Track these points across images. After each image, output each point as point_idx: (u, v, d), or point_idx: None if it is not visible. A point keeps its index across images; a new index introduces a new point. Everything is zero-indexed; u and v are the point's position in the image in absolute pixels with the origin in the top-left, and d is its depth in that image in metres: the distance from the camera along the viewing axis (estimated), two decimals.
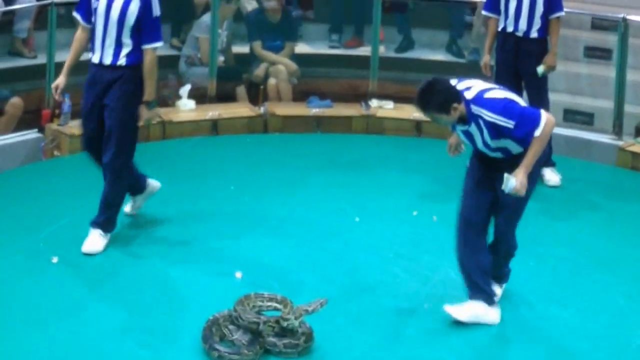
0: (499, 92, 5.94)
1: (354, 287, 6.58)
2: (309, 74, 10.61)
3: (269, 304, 5.86)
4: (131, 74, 6.79)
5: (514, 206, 6.16)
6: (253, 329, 5.67)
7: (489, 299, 6.17)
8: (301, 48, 10.75)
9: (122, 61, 6.78)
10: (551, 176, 8.55)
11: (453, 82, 5.95)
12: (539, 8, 8.29)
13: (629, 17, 9.49)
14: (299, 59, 10.47)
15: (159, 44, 6.92)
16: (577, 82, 10.06)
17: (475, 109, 5.83)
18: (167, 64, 10.28)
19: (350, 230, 7.50)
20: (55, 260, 6.68)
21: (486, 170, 6.19)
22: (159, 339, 5.84)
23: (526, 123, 5.79)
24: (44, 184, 8.12)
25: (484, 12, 8.79)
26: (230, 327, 5.73)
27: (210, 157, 8.94)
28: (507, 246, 6.36)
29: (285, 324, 5.70)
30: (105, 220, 6.89)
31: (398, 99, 10.18)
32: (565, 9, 8.59)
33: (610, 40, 9.93)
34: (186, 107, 9.64)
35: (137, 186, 7.29)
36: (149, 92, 6.84)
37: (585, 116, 9.81)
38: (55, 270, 6.59)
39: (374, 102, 10.10)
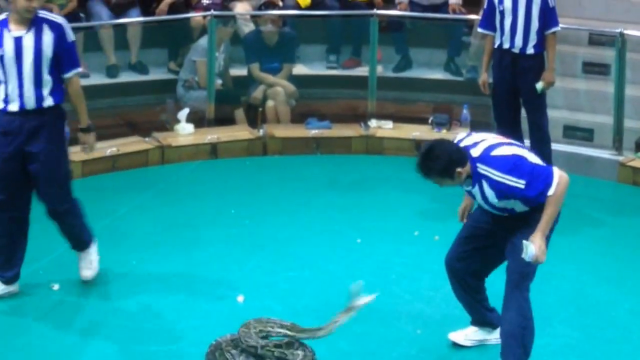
0: (507, 149, 5.58)
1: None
2: (307, 95, 10.62)
3: (279, 330, 5.81)
4: (58, 112, 6.48)
5: (522, 272, 5.71)
6: (252, 353, 5.63)
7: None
8: (299, 69, 10.75)
9: (48, 101, 6.36)
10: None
11: (461, 136, 5.70)
12: (534, 24, 8.27)
13: (626, 32, 9.50)
14: (297, 80, 10.47)
15: (80, 69, 6.62)
16: (576, 98, 10.05)
17: (482, 168, 5.48)
18: (164, 88, 10.33)
19: (352, 252, 7.47)
20: (56, 287, 6.65)
21: (489, 224, 5.86)
22: None
23: (538, 182, 5.44)
24: (44, 211, 8.10)
25: (479, 30, 8.77)
26: (233, 351, 5.69)
27: (210, 180, 8.92)
28: (508, 326, 5.68)
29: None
30: (81, 242, 6.73)
31: (397, 118, 10.20)
32: (562, 25, 8.59)
33: (607, 55, 9.93)
34: (185, 131, 9.63)
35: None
36: (83, 118, 6.62)
37: (585, 132, 9.79)
38: (56, 297, 6.55)
39: (373, 122, 10.09)
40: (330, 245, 7.56)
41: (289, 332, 5.75)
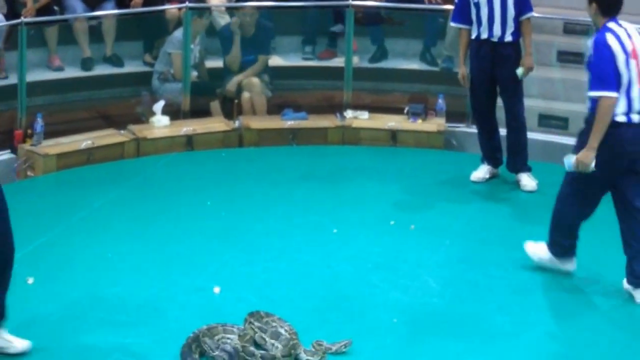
0: None
1: (333, 299, 6.56)
2: (283, 86, 10.60)
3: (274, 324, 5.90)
4: None
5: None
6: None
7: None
8: (275, 61, 10.73)
9: None
10: (528, 181, 8.57)
11: None
12: (511, 11, 8.32)
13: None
14: (273, 71, 10.45)
15: None
16: (551, 87, 10.08)
17: None
18: (140, 80, 10.29)
19: (329, 242, 7.47)
20: (30, 281, 6.63)
21: None
22: (139, 358, 5.78)
23: None
24: (19, 205, 8.02)
25: (453, 24, 8.79)
26: (209, 341, 5.70)
27: (185, 173, 8.89)
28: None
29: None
30: None
31: (373, 109, 10.19)
32: (537, 14, 8.64)
33: (582, 44, 9.94)
34: (160, 124, 9.59)
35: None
36: None
37: (560, 120, 9.82)
38: (31, 291, 6.53)
39: (349, 113, 10.09)
40: (307, 236, 7.56)
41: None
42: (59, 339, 5.92)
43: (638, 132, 6.47)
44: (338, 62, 10.69)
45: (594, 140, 6.43)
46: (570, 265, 6.91)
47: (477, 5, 8.37)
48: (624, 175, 6.58)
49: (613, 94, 6.36)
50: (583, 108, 9.50)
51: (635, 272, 6.57)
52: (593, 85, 6.45)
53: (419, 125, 9.88)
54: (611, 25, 6.59)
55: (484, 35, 8.39)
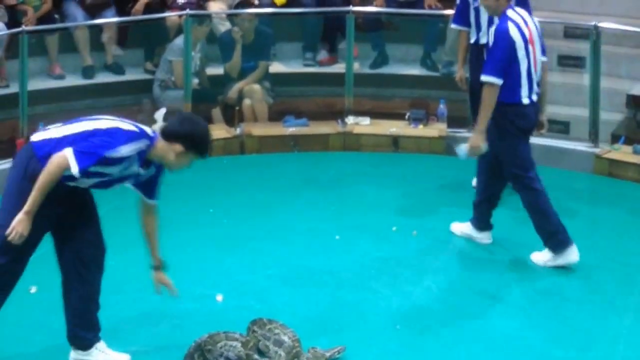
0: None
1: (336, 305, 6.56)
2: (285, 93, 10.61)
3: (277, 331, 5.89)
4: None
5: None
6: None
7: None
8: (276, 67, 10.74)
9: None
10: None
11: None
12: None
13: (600, 24, 9.53)
14: (274, 78, 10.46)
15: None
16: (552, 91, 9.98)
17: None
18: (141, 88, 10.31)
19: (331, 249, 7.47)
20: (33, 290, 6.63)
21: None
22: None
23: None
24: None
25: (453, 26, 8.75)
26: (212, 349, 5.70)
27: (186, 180, 8.81)
28: None
29: None
30: None
31: (374, 114, 10.21)
32: (537, 18, 8.58)
33: (583, 48, 9.97)
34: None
35: None
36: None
37: (561, 125, 9.83)
38: (34, 300, 6.52)
39: (350, 119, 10.10)
40: (309, 243, 7.56)
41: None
42: (62, 347, 5.91)
43: (535, 109, 7.08)
44: (339, 68, 10.71)
45: (482, 123, 6.87)
46: (487, 238, 7.53)
47: (477, 10, 8.31)
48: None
49: (500, 82, 6.82)
50: (584, 112, 9.62)
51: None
52: (486, 71, 6.86)
53: (420, 130, 9.88)
54: (510, 13, 6.92)
55: (483, 41, 8.30)
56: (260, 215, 8.07)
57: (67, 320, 5.76)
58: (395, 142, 9.80)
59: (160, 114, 9.66)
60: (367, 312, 6.47)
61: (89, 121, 5.48)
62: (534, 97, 7.01)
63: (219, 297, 6.57)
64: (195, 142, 5.53)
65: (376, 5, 10.89)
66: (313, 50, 11.13)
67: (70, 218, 5.65)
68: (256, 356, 5.67)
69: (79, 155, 5.25)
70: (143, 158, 5.46)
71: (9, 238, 5.28)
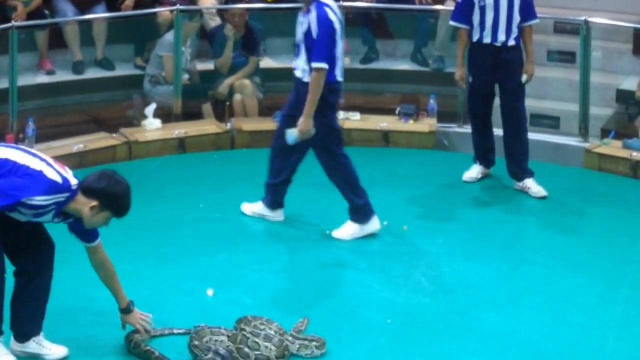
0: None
1: (326, 300, 6.57)
2: (275, 88, 10.59)
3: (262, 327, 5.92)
4: None
5: None
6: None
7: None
8: (266, 62, 10.73)
9: None
10: (537, 188, 8.42)
11: None
12: (516, 18, 8.25)
13: (590, 19, 9.54)
14: (264, 73, 10.44)
15: None
16: (542, 86, 10.10)
17: None
18: (131, 83, 10.29)
19: (322, 243, 7.47)
20: None
21: None
22: None
23: None
24: None
25: (452, 23, 8.66)
26: (199, 344, 5.71)
27: (178, 175, 8.89)
28: None
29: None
30: None
31: (365, 109, 10.19)
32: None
33: (573, 43, 9.98)
34: (152, 127, 9.59)
35: None
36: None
37: (551, 120, 9.85)
38: None
39: (340, 114, 10.07)
40: (299, 237, 7.56)
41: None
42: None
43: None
44: None
45: (311, 108, 7.17)
46: (279, 216, 7.77)
47: (483, 9, 8.25)
48: None
49: (327, 66, 7.13)
50: (574, 107, 9.63)
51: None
52: (315, 57, 7.12)
53: (410, 125, 9.88)
54: None
55: (487, 40, 8.28)
56: None
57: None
58: (385, 137, 9.79)
59: (150, 109, 9.64)
60: (358, 306, 6.47)
61: (23, 154, 5.43)
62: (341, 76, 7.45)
63: (210, 292, 6.57)
64: (111, 201, 5.45)
65: (366, 1, 10.88)
66: None
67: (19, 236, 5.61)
68: (247, 350, 5.68)
69: None
70: (60, 209, 5.40)
71: None
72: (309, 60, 7.20)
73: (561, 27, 10.45)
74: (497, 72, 8.35)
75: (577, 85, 9.62)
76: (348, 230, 7.52)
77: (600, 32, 9.97)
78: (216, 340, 5.77)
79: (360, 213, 7.51)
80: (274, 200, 7.79)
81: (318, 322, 6.13)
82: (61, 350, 5.80)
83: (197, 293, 6.56)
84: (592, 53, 9.59)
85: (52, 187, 5.31)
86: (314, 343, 5.84)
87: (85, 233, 5.67)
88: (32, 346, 5.74)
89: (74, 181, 5.42)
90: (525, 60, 8.41)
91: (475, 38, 8.35)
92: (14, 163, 5.35)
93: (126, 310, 5.88)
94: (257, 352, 5.68)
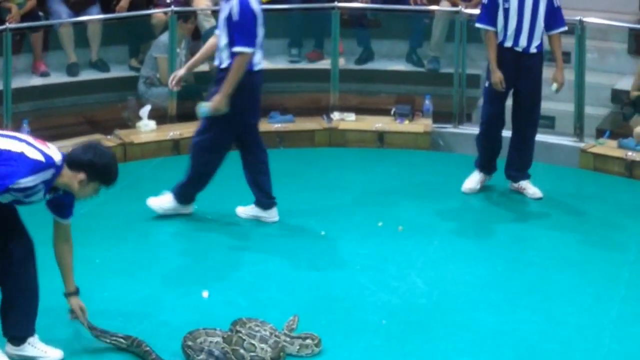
0: None
1: (322, 301, 6.55)
2: (270, 89, 10.56)
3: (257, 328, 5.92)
4: None
5: None
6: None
7: None
8: None
9: None
10: (534, 189, 8.38)
11: None
12: (540, 24, 8.10)
13: (585, 19, 9.55)
14: None
15: None
16: None
17: None
18: (126, 85, 10.29)
19: (317, 244, 7.47)
20: None
21: None
22: None
23: None
24: None
25: (479, 25, 8.36)
26: (192, 344, 5.71)
27: (172, 177, 8.79)
28: None
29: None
30: None
31: (360, 110, 10.20)
32: None
33: (568, 43, 9.96)
34: (147, 128, 9.59)
35: None
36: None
37: (546, 120, 9.82)
38: None
39: (335, 115, 10.10)
40: (295, 238, 7.56)
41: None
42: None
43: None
44: (324, 64, 10.70)
45: (229, 88, 7.36)
46: (274, 216, 7.82)
47: (507, 12, 8.09)
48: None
49: (252, 50, 7.39)
50: (569, 107, 9.63)
51: None
52: (238, 42, 7.34)
53: (405, 126, 9.89)
54: None
55: (508, 44, 8.13)
56: None
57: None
58: (380, 137, 9.80)
59: (145, 111, 9.64)
60: (353, 307, 6.47)
61: (2, 138, 5.42)
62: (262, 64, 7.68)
63: (205, 294, 6.56)
64: (98, 172, 5.47)
65: (361, 1, 10.88)
66: (298, 47, 11.12)
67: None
68: (242, 351, 5.67)
69: None
70: (49, 187, 5.41)
71: None
72: (230, 45, 7.38)
73: None
74: (518, 78, 8.18)
75: (572, 85, 9.62)
76: (250, 211, 7.87)
77: (595, 31, 9.97)
78: (211, 342, 5.77)
79: (267, 201, 7.81)
80: (261, 199, 7.85)
81: (313, 322, 6.12)
82: (56, 353, 5.78)
83: (192, 295, 6.56)
84: (587, 55, 9.59)
85: (36, 167, 5.30)
86: (310, 341, 5.84)
87: (65, 208, 5.67)
88: (27, 349, 5.73)
89: (57, 157, 5.42)
90: (555, 68, 8.31)
91: (499, 40, 8.17)
92: None
93: (71, 294, 5.88)
94: (252, 354, 5.67)
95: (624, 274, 7.06)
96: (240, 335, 5.78)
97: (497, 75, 8.18)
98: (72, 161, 5.43)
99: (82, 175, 5.43)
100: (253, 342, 5.74)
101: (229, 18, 7.37)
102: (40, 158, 5.35)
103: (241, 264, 7.09)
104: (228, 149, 7.76)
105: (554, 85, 8.31)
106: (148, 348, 5.74)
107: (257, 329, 5.86)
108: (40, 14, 10.29)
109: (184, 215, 7.88)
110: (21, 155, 5.33)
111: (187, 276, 6.87)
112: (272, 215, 7.81)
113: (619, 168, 9.09)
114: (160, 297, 6.57)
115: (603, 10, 10.36)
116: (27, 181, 5.28)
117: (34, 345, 5.74)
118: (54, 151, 5.46)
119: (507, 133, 8.51)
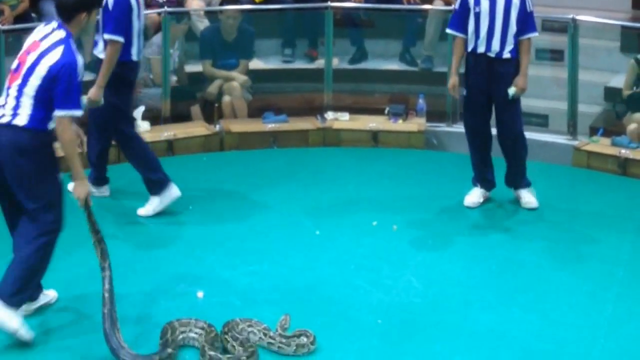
0: None
1: (317, 301, 6.56)
2: (264, 89, 10.60)
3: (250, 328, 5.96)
4: None
5: None
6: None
7: None
8: (255, 64, 10.73)
9: None
10: (529, 198, 8.21)
11: None
12: (512, 28, 7.90)
13: (578, 17, 9.57)
14: (253, 75, 10.45)
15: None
16: (530, 84, 10.01)
17: None
18: None
19: (311, 244, 7.48)
20: None
21: None
22: None
23: None
24: None
25: (449, 31, 8.29)
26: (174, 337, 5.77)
27: None
28: None
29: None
30: None
31: (354, 110, 10.21)
32: None
33: (561, 41, 9.99)
34: (140, 129, 9.56)
35: None
36: None
37: (540, 118, 9.87)
38: None
39: (329, 115, 10.11)
40: (289, 238, 7.56)
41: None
42: (44, 342, 5.91)
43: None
44: (318, 64, 10.71)
45: (103, 78, 7.64)
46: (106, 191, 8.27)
47: (478, 16, 7.94)
48: None
49: (121, 40, 7.59)
50: (563, 105, 9.65)
51: None
52: (108, 30, 7.60)
53: (399, 125, 9.90)
54: None
55: (481, 49, 7.95)
56: (241, 211, 8.06)
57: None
58: (374, 137, 9.81)
59: (139, 112, 9.63)
60: (348, 307, 6.47)
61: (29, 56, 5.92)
62: (140, 56, 7.95)
63: (200, 294, 6.56)
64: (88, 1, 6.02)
65: (354, 1, 10.89)
66: (292, 47, 11.12)
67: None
68: (211, 352, 5.68)
69: (72, 105, 5.79)
70: (74, 50, 5.90)
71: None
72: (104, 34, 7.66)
73: (549, 25, 10.45)
74: (491, 85, 7.99)
75: (566, 83, 9.63)
76: (151, 205, 7.92)
77: (588, 30, 9.98)
78: (191, 338, 5.89)
79: (158, 186, 7.94)
80: (99, 176, 8.23)
81: (308, 323, 6.12)
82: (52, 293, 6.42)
83: (187, 295, 6.56)
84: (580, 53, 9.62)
85: (71, 45, 5.84)
86: (305, 339, 5.86)
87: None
88: (41, 298, 6.30)
89: (58, 33, 5.90)
90: (519, 74, 8.00)
91: (470, 47, 8.01)
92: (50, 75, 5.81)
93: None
94: (212, 353, 5.69)
95: (619, 272, 7.06)
96: (227, 337, 5.81)
97: (452, 81, 8.10)
98: (66, 15, 5.96)
99: (83, 16, 5.97)
100: (235, 344, 5.77)
101: (105, 7, 7.60)
102: (62, 35, 5.87)
103: (235, 264, 7.09)
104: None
105: (512, 89, 7.92)
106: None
107: (250, 329, 5.88)
108: (33, 15, 10.28)
109: (180, 215, 7.89)
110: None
111: (182, 277, 6.86)
112: (104, 191, 8.32)
113: (613, 166, 9.11)
114: (155, 298, 6.56)
115: (596, 9, 10.39)
116: (80, 59, 5.84)
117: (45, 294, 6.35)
118: (47, 28, 6.01)
119: None
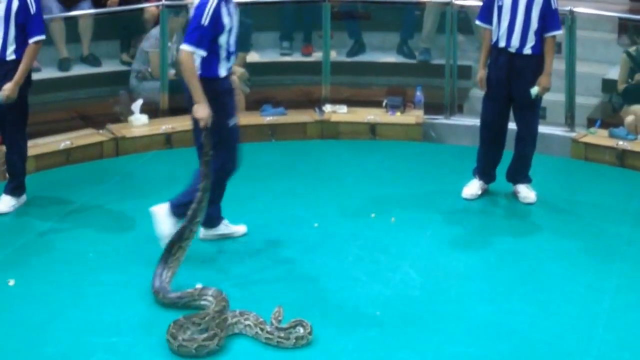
0: None
1: (315, 293, 6.57)
2: (261, 82, 10.59)
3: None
4: None
5: None
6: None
7: None
8: (252, 57, 10.73)
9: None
10: (527, 193, 8.19)
11: None
12: (533, 24, 7.85)
13: (575, 9, 9.56)
14: (251, 67, 10.45)
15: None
16: None
17: None
18: (117, 79, 10.26)
19: (310, 236, 7.48)
20: (12, 282, 6.62)
21: None
22: (122, 357, 5.79)
23: None
24: None
25: (477, 22, 8.29)
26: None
27: (165, 171, 8.87)
28: None
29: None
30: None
31: (351, 102, 10.20)
32: None
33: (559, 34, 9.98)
34: (139, 122, 9.59)
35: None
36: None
37: None
38: (13, 292, 6.53)
39: (327, 107, 10.10)
40: (288, 231, 7.56)
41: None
42: (42, 339, 5.92)
43: None
44: (316, 56, 10.70)
45: (21, 76, 7.76)
46: None
47: (500, 10, 7.92)
48: None
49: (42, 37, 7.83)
50: (560, 97, 9.65)
51: None
52: (36, 32, 7.78)
53: (397, 117, 9.90)
54: None
55: (502, 44, 7.92)
56: (239, 204, 8.03)
57: None
58: (372, 129, 9.81)
59: (137, 105, 9.64)
60: (346, 299, 6.49)
61: None
62: None
63: (199, 286, 6.56)
64: None
65: None
66: (289, 40, 11.12)
67: None
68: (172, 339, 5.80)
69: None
70: None
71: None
72: (25, 35, 7.75)
73: None
74: (511, 80, 7.95)
75: (563, 75, 9.63)
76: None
77: (585, 22, 9.98)
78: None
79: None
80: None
81: (307, 314, 6.13)
82: (242, 228, 7.38)
83: (187, 288, 6.54)
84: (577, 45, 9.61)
85: None
86: (302, 330, 5.89)
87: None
88: (222, 228, 7.32)
89: None
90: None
91: (493, 39, 8.00)
92: None
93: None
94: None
95: (617, 263, 7.08)
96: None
97: (479, 75, 8.11)
98: None
99: None
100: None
101: (24, 10, 7.70)
102: None
103: (233, 256, 7.10)
104: None
105: (535, 89, 7.92)
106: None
107: (246, 322, 5.93)
108: None
109: None
110: None
111: (181, 270, 6.86)
112: None
113: (610, 157, 9.11)
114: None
115: (593, 0, 10.38)
116: None
117: (226, 225, 7.39)
118: None
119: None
